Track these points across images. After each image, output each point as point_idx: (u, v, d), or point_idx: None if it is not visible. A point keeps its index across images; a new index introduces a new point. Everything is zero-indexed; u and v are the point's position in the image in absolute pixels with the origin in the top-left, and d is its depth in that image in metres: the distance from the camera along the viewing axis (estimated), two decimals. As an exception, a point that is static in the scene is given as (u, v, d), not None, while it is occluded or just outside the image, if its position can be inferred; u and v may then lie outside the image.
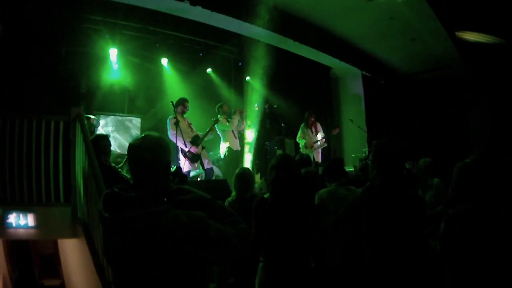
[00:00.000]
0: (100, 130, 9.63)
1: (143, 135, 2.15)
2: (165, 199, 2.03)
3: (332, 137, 12.18)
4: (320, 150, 10.65)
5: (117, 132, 11.24)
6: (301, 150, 10.39)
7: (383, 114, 13.04)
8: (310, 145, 10.40)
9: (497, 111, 12.05)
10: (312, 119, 10.63)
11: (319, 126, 10.79)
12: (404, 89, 13.86)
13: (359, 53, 11.98)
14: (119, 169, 5.67)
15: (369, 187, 3.08)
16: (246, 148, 10.75)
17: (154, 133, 2.18)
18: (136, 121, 11.69)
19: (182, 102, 8.56)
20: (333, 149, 12.63)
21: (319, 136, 10.63)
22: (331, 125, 12.98)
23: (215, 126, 8.99)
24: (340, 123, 13.14)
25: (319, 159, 10.55)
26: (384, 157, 3.05)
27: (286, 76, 12.45)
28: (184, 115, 8.64)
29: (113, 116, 11.30)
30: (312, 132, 10.57)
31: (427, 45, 10.98)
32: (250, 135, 10.96)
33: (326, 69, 13.28)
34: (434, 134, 12.79)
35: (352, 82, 13.33)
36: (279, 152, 11.23)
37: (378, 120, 12.73)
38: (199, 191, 2.19)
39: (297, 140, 10.59)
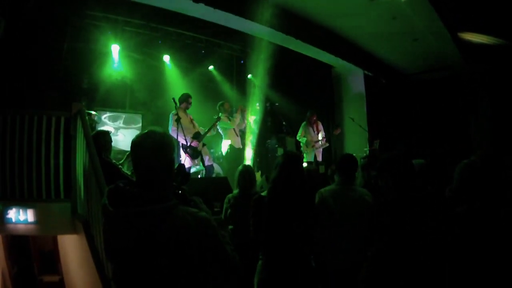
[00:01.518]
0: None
1: (146, 131, 2.11)
2: (172, 196, 2.02)
3: (333, 136, 12.17)
4: (321, 149, 10.62)
5: (119, 128, 11.25)
6: (301, 148, 10.37)
7: (385, 114, 13.02)
8: (312, 144, 10.38)
9: (499, 111, 12.02)
10: (314, 118, 10.61)
11: (320, 125, 10.76)
12: (406, 88, 13.82)
13: (361, 52, 11.95)
14: (120, 166, 5.66)
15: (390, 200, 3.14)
16: (249, 139, 10.70)
17: (158, 129, 2.14)
18: (138, 117, 11.69)
19: (186, 98, 8.60)
20: (334, 148, 12.61)
21: (320, 136, 10.60)
22: (332, 124, 12.97)
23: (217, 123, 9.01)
24: (342, 122, 13.11)
25: (319, 157, 10.53)
26: (399, 171, 3.14)
27: (288, 74, 12.43)
28: (187, 111, 8.66)
29: (114, 112, 11.31)
30: (314, 131, 10.55)
31: (429, 45, 10.95)
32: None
33: (328, 67, 13.25)
34: (435, 134, 12.76)
35: (354, 81, 13.30)
36: (280, 150, 11.22)
37: (379, 120, 12.71)
38: (204, 212, 2.10)
39: (298, 138, 10.56)
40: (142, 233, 1.88)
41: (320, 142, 10.54)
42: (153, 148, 2.03)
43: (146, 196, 1.95)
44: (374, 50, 11.99)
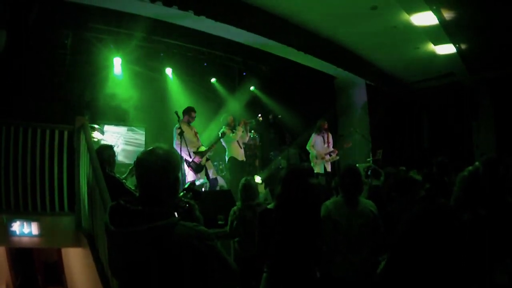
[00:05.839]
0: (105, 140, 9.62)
1: (151, 148, 2.10)
2: (174, 213, 2.03)
3: (342, 149, 11.92)
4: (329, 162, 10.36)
5: (122, 142, 11.26)
6: (310, 160, 10.16)
7: (387, 123, 13.00)
8: (321, 157, 10.11)
9: (502, 119, 12.03)
10: (326, 127, 10.29)
11: (330, 138, 10.49)
12: (408, 97, 13.82)
13: (362, 63, 11.94)
14: (123, 180, 5.65)
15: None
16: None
17: (163, 146, 2.12)
18: (140, 130, 11.70)
19: (188, 112, 8.58)
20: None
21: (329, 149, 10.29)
22: (334, 135, 12.91)
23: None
24: (345, 132, 13.07)
25: (329, 168, 10.32)
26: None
27: (290, 85, 12.45)
28: (191, 124, 8.67)
29: (117, 126, 11.32)
30: (324, 142, 10.27)
31: (431, 54, 10.95)
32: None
33: (330, 78, 13.25)
34: (438, 142, 12.75)
35: (356, 91, 13.28)
36: (283, 162, 11.17)
37: (382, 129, 12.70)
38: (202, 228, 2.08)
39: (307, 148, 10.27)
40: (145, 251, 1.89)
41: (329, 155, 10.25)
42: (157, 165, 2.01)
43: (147, 213, 1.93)
44: (375, 59, 11.98)
